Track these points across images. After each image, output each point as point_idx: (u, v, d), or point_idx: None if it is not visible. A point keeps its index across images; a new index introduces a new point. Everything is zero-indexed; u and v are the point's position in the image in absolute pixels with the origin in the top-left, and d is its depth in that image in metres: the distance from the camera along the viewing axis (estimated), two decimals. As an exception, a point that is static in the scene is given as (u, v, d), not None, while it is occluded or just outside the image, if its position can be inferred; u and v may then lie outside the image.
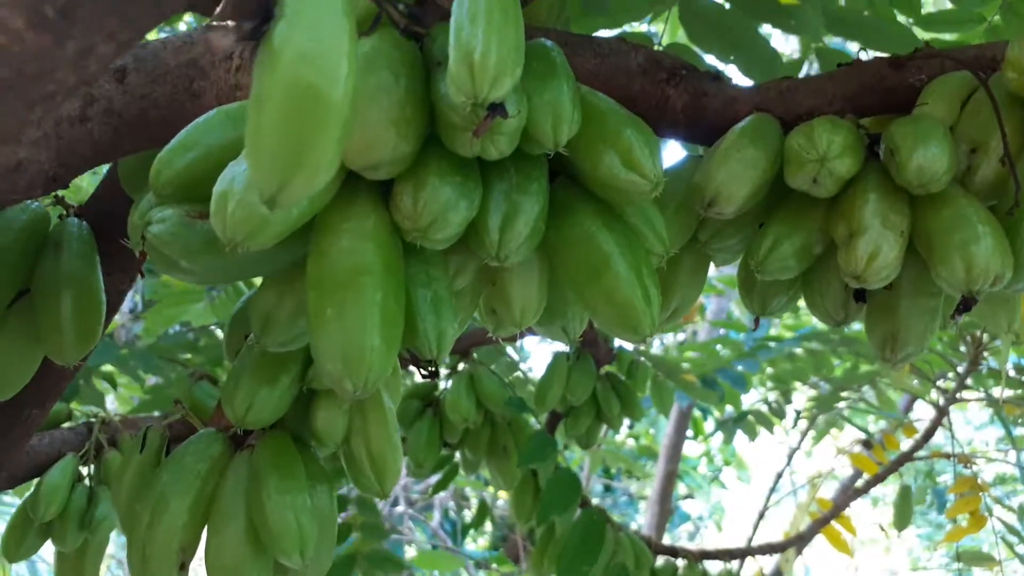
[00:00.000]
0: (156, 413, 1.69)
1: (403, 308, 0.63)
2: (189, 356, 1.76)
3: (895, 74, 0.86)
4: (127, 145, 0.75)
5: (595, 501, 2.15)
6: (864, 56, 0.91)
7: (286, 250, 0.65)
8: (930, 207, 0.78)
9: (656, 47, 1.21)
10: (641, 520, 6.29)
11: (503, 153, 0.64)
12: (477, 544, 5.71)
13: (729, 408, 2.86)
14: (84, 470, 1.32)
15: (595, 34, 1.20)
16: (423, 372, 0.67)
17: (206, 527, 0.79)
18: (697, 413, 3.43)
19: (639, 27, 1.31)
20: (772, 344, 2.48)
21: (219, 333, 2.14)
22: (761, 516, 3.03)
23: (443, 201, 0.63)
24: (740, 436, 2.99)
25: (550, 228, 0.72)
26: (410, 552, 4.02)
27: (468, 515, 5.20)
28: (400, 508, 4.01)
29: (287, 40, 0.37)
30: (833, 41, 1.43)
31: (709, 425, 5.05)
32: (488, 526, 5.09)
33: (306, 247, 0.66)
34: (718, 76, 0.92)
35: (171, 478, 0.78)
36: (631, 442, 5.37)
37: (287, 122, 0.37)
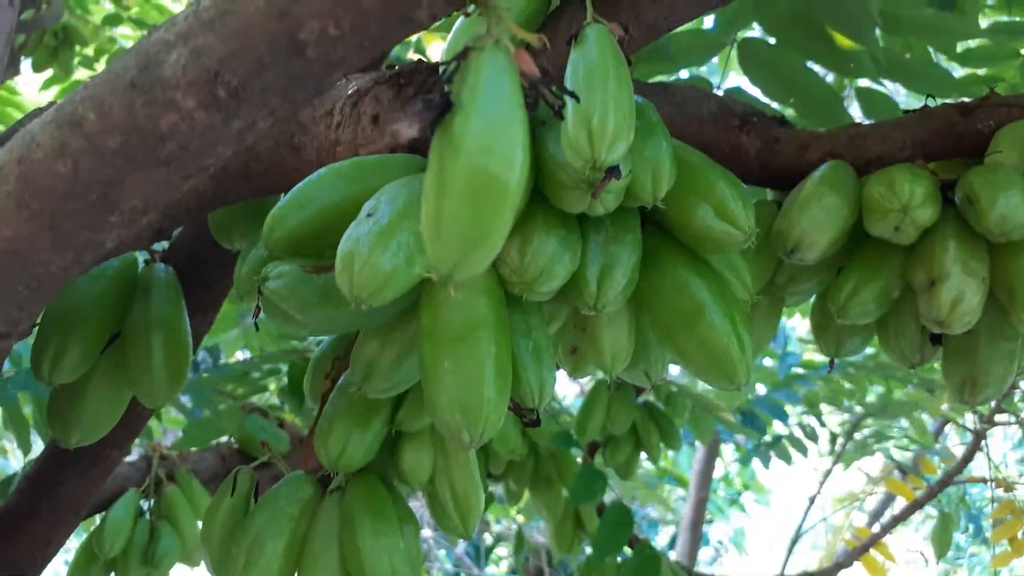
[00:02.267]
0: (205, 447, 1.70)
1: (511, 358, 0.65)
2: (235, 388, 1.78)
3: (964, 121, 0.88)
4: (228, 197, 0.77)
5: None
6: (930, 102, 0.93)
7: (395, 303, 0.66)
8: (1009, 254, 0.79)
9: (717, 90, 1.23)
10: (662, 541, 6.26)
11: (609, 210, 0.66)
12: (499, 567, 5.69)
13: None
14: (144, 504, 1.34)
15: (656, 79, 1.23)
16: (525, 420, 0.69)
17: (299, 569, 0.80)
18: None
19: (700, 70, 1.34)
20: (803, 371, 2.48)
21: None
22: (795, 541, 3.02)
23: (549, 255, 0.65)
24: (758, 460, 2.98)
25: (641, 278, 0.74)
26: (435, 578, 4.01)
27: (489, 538, 5.20)
28: (426, 532, 4.01)
29: (467, 131, 0.39)
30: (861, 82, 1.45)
31: (728, 449, 5.03)
32: (507, 550, 5.08)
33: (410, 300, 0.68)
34: (784, 120, 0.94)
35: (264, 521, 0.80)
36: (648, 465, 5.36)
37: (468, 207, 0.39)
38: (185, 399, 1.90)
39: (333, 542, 0.79)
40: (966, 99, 0.92)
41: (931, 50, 1.63)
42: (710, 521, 6.60)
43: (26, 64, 2.78)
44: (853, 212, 0.83)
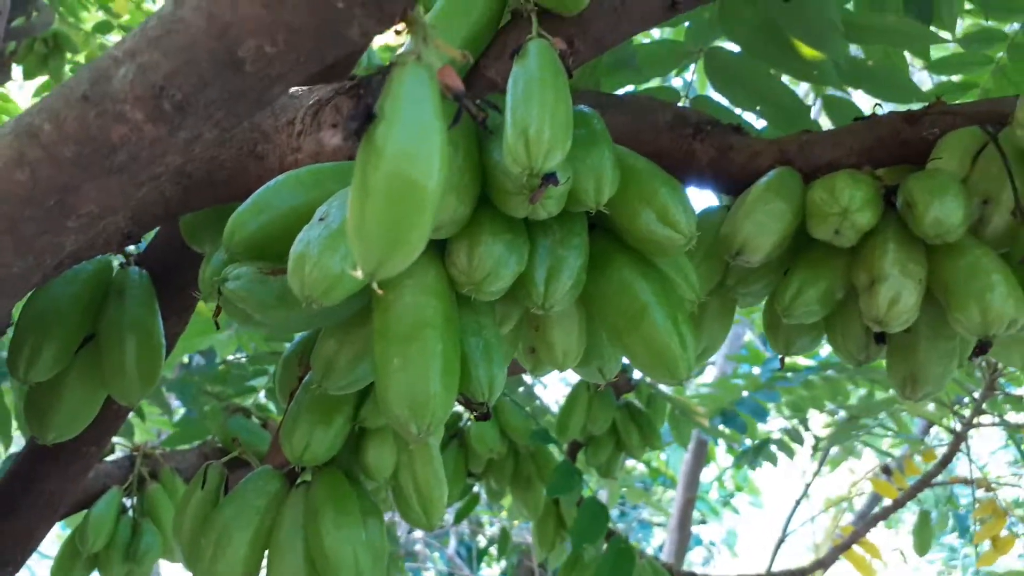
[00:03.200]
0: (191, 445, 1.74)
1: (459, 356, 0.68)
2: (220, 388, 1.81)
3: (910, 128, 0.92)
4: (194, 203, 0.80)
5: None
6: (878, 110, 0.96)
7: (349, 304, 0.70)
8: (946, 256, 0.82)
9: (684, 99, 1.27)
10: (654, 544, 6.28)
11: (551, 214, 0.69)
12: (492, 569, 5.72)
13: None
14: (127, 502, 1.37)
15: (625, 89, 1.26)
16: (475, 414, 0.72)
17: (265, 560, 0.83)
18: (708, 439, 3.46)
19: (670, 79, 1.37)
20: (789, 374, 2.51)
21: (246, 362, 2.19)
22: (781, 542, 3.05)
23: (496, 257, 0.69)
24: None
25: (589, 278, 0.77)
26: (427, 579, 4.04)
27: (483, 541, 5.23)
28: (417, 534, 4.04)
29: (390, 139, 0.43)
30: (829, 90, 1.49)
31: (719, 450, 5.06)
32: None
33: (365, 300, 0.71)
34: (740, 128, 0.98)
35: (232, 513, 0.83)
36: (641, 467, 5.39)
37: (389, 210, 0.43)
38: (172, 399, 1.94)
39: (298, 534, 0.82)
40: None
41: (908, 57, 1.67)
42: (703, 522, 6.63)
43: (18, 71, 2.82)
44: (797, 216, 0.86)
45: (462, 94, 0.47)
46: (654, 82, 1.32)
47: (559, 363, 0.80)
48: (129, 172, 0.51)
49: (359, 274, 0.45)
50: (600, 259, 0.78)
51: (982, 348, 0.82)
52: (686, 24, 1.30)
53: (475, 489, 2.19)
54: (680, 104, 1.27)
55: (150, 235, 1.04)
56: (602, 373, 0.87)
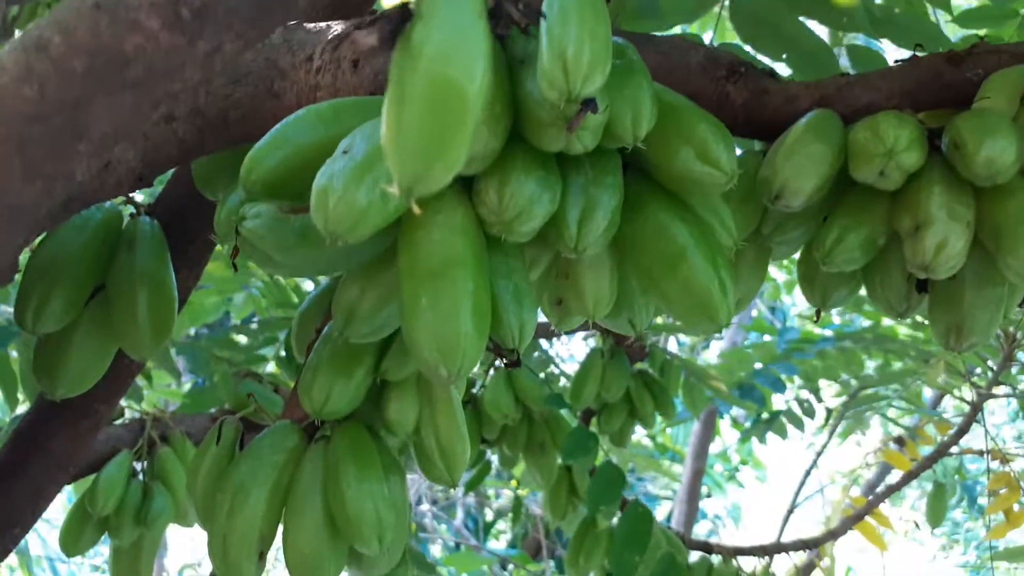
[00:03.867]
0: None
1: (490, 296, 0.65)
2: (230, 355, 1.78)
3: (953, 69, 0.87)
4: (209, 144, 0.76)
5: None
6: (918, 52, 0.92)
7: (373, 244, 0.66)
8: (996, 198, 0.79)
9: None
10: (660, 516, 6.29)
11: (587, 148, 0.65)
12: (499, 542, 5.73)
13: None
14: (138, 466, 1.35)
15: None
16: (505, 360, 0.69)
17: (283, 516, 0.80)
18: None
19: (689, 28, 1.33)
20: (805, 345, 2.48)
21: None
22: (791, 511, 3.04)
23: (528, 195, 0.65)
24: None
25: (623, 222, 0.73)
26: (435, 550, 4.04)
27: (490, 513, 5.22)
28: (424, 507, 4.03)
29: (427, 39, 0.39)
30: (856, 38, 1.44)
31: (725, 424, 5.04)
32: (507, 524, 5.11)
33: (390, 240, 0.68)
34: (773, 74, 0.93)
35: (249, 469, 0.80)
36: (646, 442, 5.38)
37: (428, 117, 0.39)
38: (182, 366, 1.91)
39: (318, 489, 0.79)
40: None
41: (930, 10, 1.62)
42: (708, 495, 6.63)
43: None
44: (838, 159, 0.82)
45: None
46: (676, 30, 1.27)
47: (590, 311, 0.76)
48: (144, 87, 0.48)
49: (395, 190, 0.41)
50: (634, 201, 0.74)
51: (1034, 295, 0.78)
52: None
53: (487, 457, 2.17)
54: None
55: (159, 186, 1.00)
56: (633, 325, 0.83)
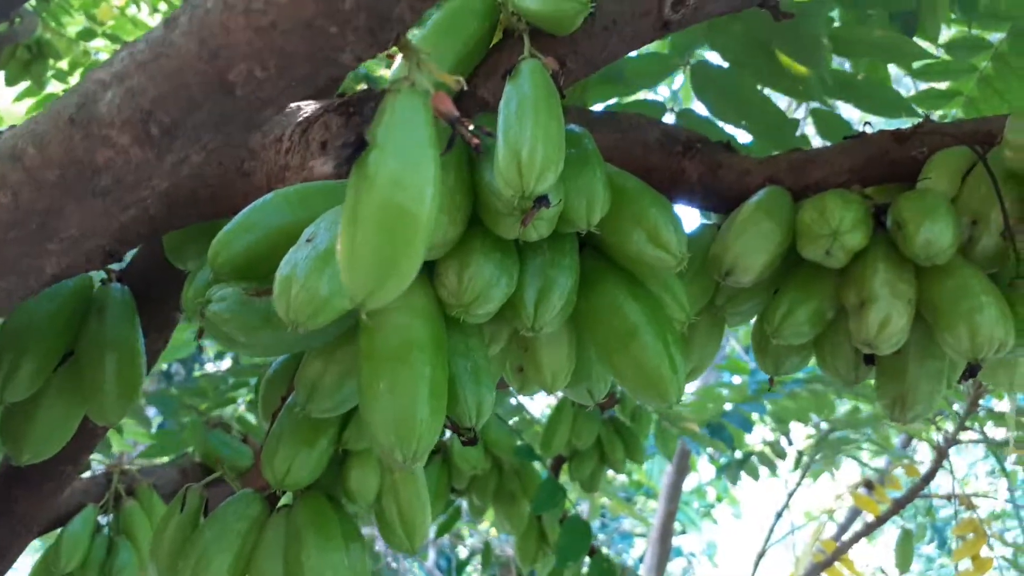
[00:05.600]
0: (170, 458, 1.71)
1: (447, 379, 0.67)
2: (200, 401, 1.78)
3: (899, 147, 0.92)
4: (178, 221, 0.79)
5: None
6: (868, 128, 0.96)
7: (337, 325, 0.68)
8: (936, 277, 0.82)
9: (671, 111, 1.26)
10: (635, 555, 6.28)
11: (542, 236, 0.68)
12: (472, 579, 5.68)
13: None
14: (103, 519, 1.35)
15: (610, 101, 1.26)
16: (463, 439, 0.71)
17: (246, 585, 0.82)
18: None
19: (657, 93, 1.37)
20: (776, 386, 2.51)
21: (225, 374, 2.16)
22: (761, 556, 3.05)
23: (486, 279, 0.68)
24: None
25: (579, 299, 0.76)
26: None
27: (463, 551, 5.19)
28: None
29: (381, 166, 0.42)
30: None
31: (701, 461, 5.05)
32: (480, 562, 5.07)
33: (352, 321, 0.70)
34: (729, 145, 0.97)
35: (213, 536, 0.81)
36: (621, 477, 5.39)
37: (380, 238, 0.42)
38: (152, 412, 1.91)
39: (279, 559, 0.80)
40: (904, 126, 0.95)
41: (891, 67, 1.67)
42: (683, 532, 6.63)
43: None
44: (787, 236, 0.86)
45: (456, 120, 0.46)
46: (640, 95, 1.31)
47: (547, 385, 0.79)
48: (114, 195, 0.50)
49: (349, 304, 0.44)
50: (590, 279, 0.77)
51: (971, 371, 0.82)
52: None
53: (457, 502, 2.17)
54: (666, 117, 1.27)
55: (133, 251, 1.02)
56: (591, 394, 0.86)
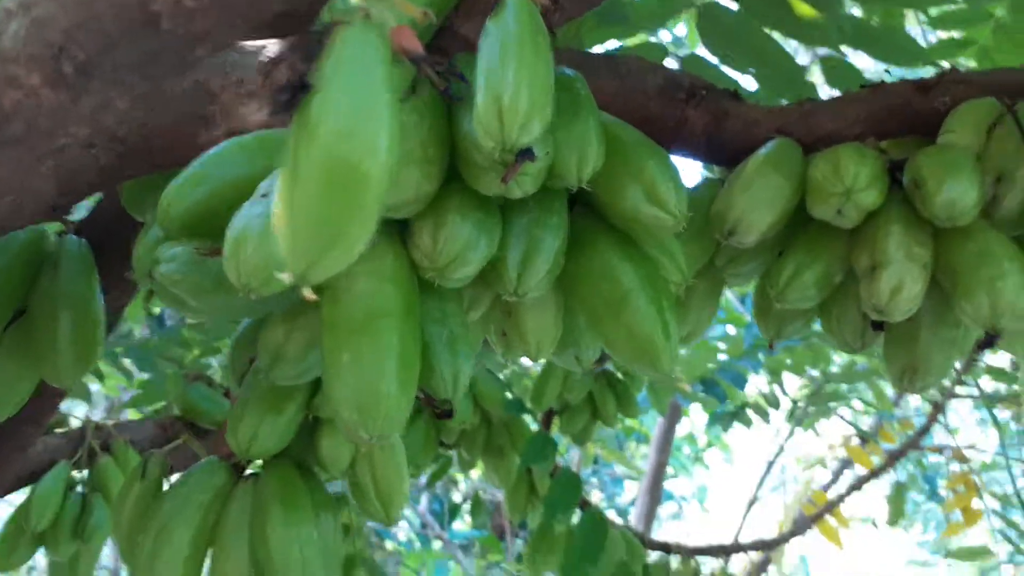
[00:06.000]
0: (152, 408, 1.66)
1: (419, 349, 0.61)
2: (181, 352, 1.73)
3: (921, 98, 0.85)
4: (131, 171, 0.71)
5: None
6: (887, 77, 0.89)
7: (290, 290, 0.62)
8: (955, 240, 0.76)
9: (674, 56, 1.18)
10: (626, 499, 6.33)
11: (527, 193, 0.62)
12: (465, 522, 5.73)
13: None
14: (77, 475, 1.30)
15: (609, 44, 1.18)
16: (437, 412, 0.65)
17: (209, 558, 0.77)
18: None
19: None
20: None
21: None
22: (751, 506, 3.05)
23: (464, 240, 0.61)
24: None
25: (568, 260, 0.70)
26: (400, 536, 4.02)
27: (456, 495, 5.22)
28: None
29: (325, 113, 0.35)
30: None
31: (694, 407, 5.05)
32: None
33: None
34: (736, 94, 0.90)
35: (173, 509, 0.76)
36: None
37: (324, 199, 0.35)
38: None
39: (244, 532, 0.75)
40: (927, 74, 0.88)
41: (906, 13, 1.59)
42: (674, 476, 6.67)
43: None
44: (796, 193, 0.79)
45: (421, 59, 0.39)
46: (640, 37, 1.23)
47: (532, 353, 0.73)
48: (27, 144, 0.43)
49: (286, 277, 0.37)
50: (580, 239, 0.71)
51: (989, 340, 0.76)
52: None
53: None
54: (668, 63, 1.19)
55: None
56: (579, 361, 0.80)
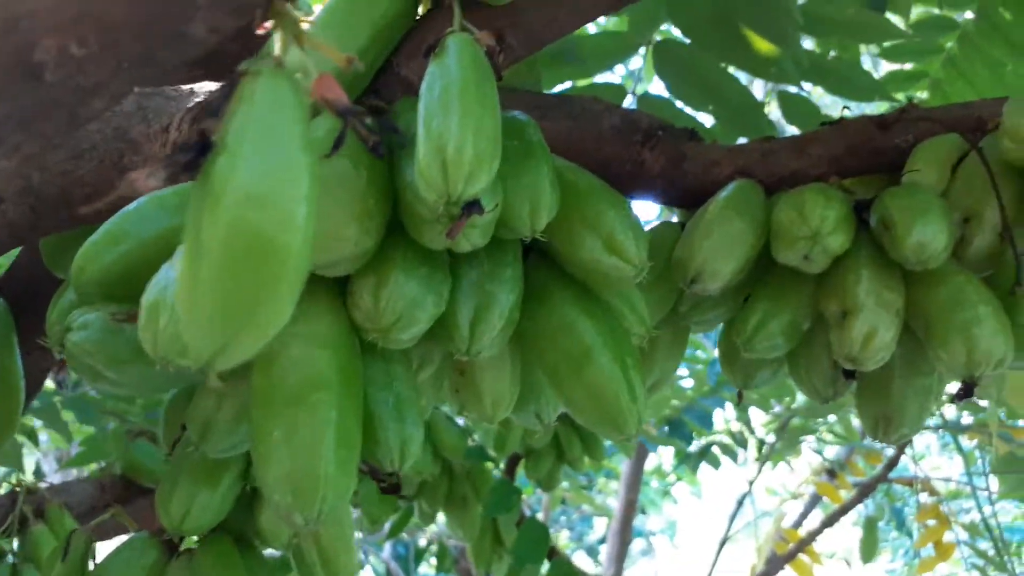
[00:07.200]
0: (92, 467, 1.58)
1: (360, 421, 0.56)
2: (123, 406, 1.64)
3: (882, 135, 0.82)
4: (47, 226, 0.66)
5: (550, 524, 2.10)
6: (846, 113, 0.87)
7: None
8: (926, 284, 0.73)
9: (631, 94, 1.16)
10: (596, 535, 6.24)
11: (476, 246, 0.57)
12: (431, 564, 5.60)
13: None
14: (7, 544, 1.21)
15: (567, 84, 1.15)
16: (383, 486, 0.60)
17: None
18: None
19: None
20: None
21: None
22: (723, 544, 3.00)
23: (408, 298, 0.56)
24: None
25: (525, 315, 0.65)
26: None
27: (423, 539, 5.09)
28: (357, 534, 3.90)
29: (231, 178, 0.30)
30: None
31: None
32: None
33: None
34: (695, 133, 0.87)
35: (99, 593, 0.70)
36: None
37: (232, 276, 0.30)
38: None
39: (178, 616, 0.69)
40: (886, 111, 0.86)
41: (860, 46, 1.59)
42: (643, 511, 6.60)
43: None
44: (760, 237, 0.76)
45: (347, 110, 0.34)
46: (599, 77, 1.20)
47: (488, 414, 0.68)
48: None
49: (192, 364, 0.32)
50: (537, 292, 0.66)
51: (967, 390, 0.72)
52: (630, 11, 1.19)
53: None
54: (627, 101, 1.16)
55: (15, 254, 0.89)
56: (540, 418, 0.75)
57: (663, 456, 6.31)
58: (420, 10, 0.67)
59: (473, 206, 0.50)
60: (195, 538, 0.75)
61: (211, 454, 0.63)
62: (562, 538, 6.43)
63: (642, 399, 0.64)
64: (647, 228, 0.87)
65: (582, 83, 1.15)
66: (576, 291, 0.67)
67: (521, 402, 0.73)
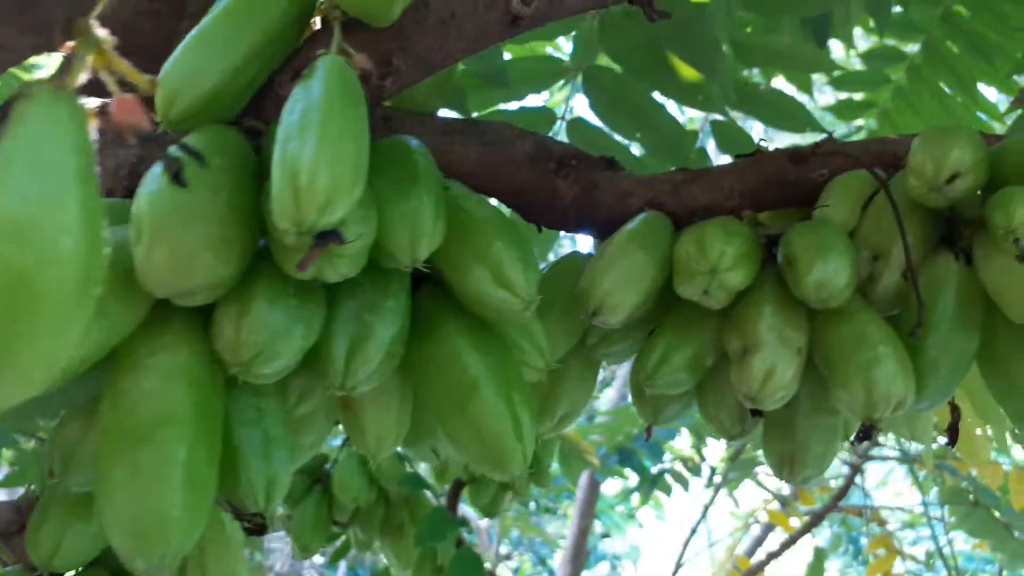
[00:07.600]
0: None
1: (217, 460, 0.53)
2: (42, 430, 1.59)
3: (796, 169, 0.81)
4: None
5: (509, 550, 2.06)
6: (764, 145, 0.86)
7: (85, 384, 0.54)
8: (830, 322, 0.72)
9: (561, 120, 1.15)
10: (558, 560, 6.19)
11: (345, 275, 0.55)
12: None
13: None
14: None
15: (495, 108, 1.13)
16: (248, 527, 0.57)
17: None
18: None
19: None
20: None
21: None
22: (677, 569, 2.98)
23: (271, 330, 0.54)
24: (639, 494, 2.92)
25: (412, 346, 0.63)
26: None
27: (381, 560, 5.03)
28: (305, 560, 3.83)
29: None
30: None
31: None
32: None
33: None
34: (612, 162, 0.85)
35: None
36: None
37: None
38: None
39: (45, 656, 0.66)
40: (807, 143, 0.85)
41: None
42: (606, 535, 6.57)
43: None
44: (663, 271, 0.74)
45: (147, 137, 0.32)
46: (530, 102, 1.19)
47: (371, 449, 0.66)
48: None
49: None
50: (427, 322, 0.64)
51: (866, 432, 0.71)
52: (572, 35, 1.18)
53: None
54: (555, 127, 1.15)
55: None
56: (436, 453, 0.73)
57: (631, 480, 6.31)
58: (311, 30, 0.65)
59: (330, 235, 0.48)
60: (71, 574, 0.71)
61: (73, 488, 0.60)
62: (524, 562, 6.38)
63: (529, 437, 0.62)
64: (558, 259, 0.85)
65: (511, 107, 1.13)
66: (468, 322, 0.65)
67: (415, 436, 0.71)
